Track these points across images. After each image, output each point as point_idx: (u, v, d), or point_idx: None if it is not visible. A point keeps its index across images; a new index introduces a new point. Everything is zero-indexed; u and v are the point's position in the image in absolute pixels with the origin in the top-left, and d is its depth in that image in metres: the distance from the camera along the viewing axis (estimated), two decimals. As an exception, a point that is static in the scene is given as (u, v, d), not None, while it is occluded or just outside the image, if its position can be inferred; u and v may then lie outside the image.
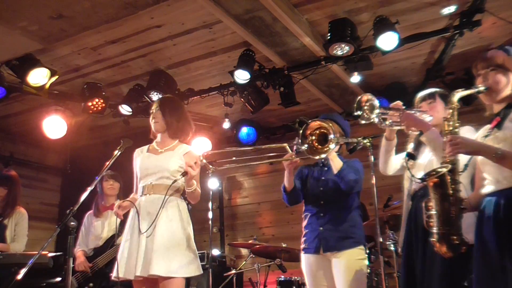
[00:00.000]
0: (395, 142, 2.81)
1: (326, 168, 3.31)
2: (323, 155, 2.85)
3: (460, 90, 2.26)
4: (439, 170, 2.11)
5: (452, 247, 2.08)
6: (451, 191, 2.10)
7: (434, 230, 2.12)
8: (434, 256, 2.29)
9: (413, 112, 2.62)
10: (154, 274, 2.71)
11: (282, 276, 4.39)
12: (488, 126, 2.26)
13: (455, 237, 2.07)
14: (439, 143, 2.41)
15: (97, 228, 4.16)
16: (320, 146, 2.83)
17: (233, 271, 4.80)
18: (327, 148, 2.80)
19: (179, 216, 2.89)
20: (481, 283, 2.04)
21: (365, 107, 2.59)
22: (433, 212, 2.13)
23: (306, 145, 2.82)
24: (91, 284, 3.99)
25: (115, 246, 4.00)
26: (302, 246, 3.28)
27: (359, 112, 2.60)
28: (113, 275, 2.85)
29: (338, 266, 3.08)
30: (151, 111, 3.13)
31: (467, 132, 2.45)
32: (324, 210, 3.20)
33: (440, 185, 2.11)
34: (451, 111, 2.22)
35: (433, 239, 2.12)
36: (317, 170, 3.37)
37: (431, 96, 2.73)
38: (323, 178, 3.29)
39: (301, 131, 2.78)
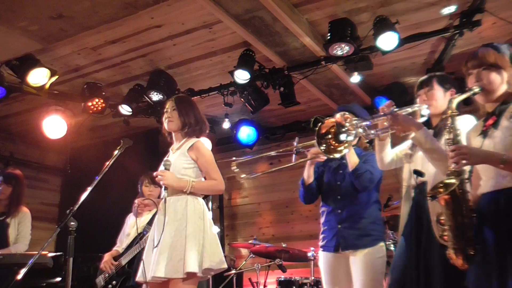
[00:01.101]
0: (388, 141, 2.73)
1: (344, 161, 3.23)
2: (343, 153, 2.61)
3: (456, 96, 2.21)
4: (448, 182, 2.03)
5: (468, 259, 2.04)
6: (462, 204, 2.05)
7: (449, 244, 2.07)
8: (431, 255, 2.28)
9: (402, 111, 2.47)
10: (157, 277, 2.69)
11: (282, 276, 4.40)
12: (480, 124, 2.23)
13: (470, 248, 2.03)
14: (430, 144, 2.36)
15: (130, 227, 4.19)
16: (337, 144, 2.58)
17: (233, 271, 4.80)
18: (346, 145, 2.56)
19: (187, 214, 2.85)
20: (478, 282, 2.03)
21: (347, 124, 2.47)
22: (446, 227, 2.07)
23: (323, 146, 2.57)
24: (114, 282, 4.01)
25: (137, 244, 4.02)
26: (320, 243, 3.24)
27: (343, 130, 2.48)
28: (137, 277, 2.88)
29: (356, 264, 3.04)
30: (165, 110, 3.11)
31: (467, 121, 2.40)
32: (341, 206, 3.16)
33: (452, 201, 2.04)
34: (450, 119, 2.16)
35: (449, 253, 2.08)
36: (334, 163, 3.31)
37: (428, 83, 2.61)
38: (340, 171, 3.23)
39: (316, 131, 2.57)
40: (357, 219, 3.10)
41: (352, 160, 3.10)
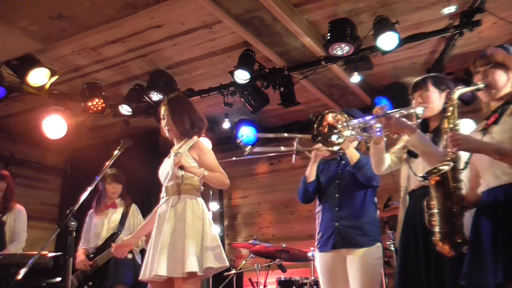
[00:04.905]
0: (383, 145, 2.69)
1: (343, 162, 3.27)
2: (338, 145, 2.61)
3: (460, 87, 2.23)
4: (441, 168, 2.08)
5: (454, 246, 2.06)
6: (452, 189, 2.09)
7: (436, 229, 2.10)
8: (441, 256, 2.27)
9: (397, 113, 2.47)
10: (158, 275, 2.71)
11: (282, 276, 4.40)
12: (483, 123, 2.24)
13: (457, 235, 2.06)
14: (426, 147, 2.37)
15: (97, 226, 4.17)
16: (333, 139, 2.58)
17: (233, 271, 4.80)
18: (343, 137, 2.57)
19: (186, 214, 2.86)
20: (472, 276, 2.03)
21: (339, 125, 2.48)
22: (435, 211, 2.10)
23: (320, 137, 2.57)
24: (90, 283, 3.99)
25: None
26: (317, 244, 3.24)
27: (335, 131, 2.48)
28: (140, 276, 2.89)
29: (353, 264, 3.04)
30: (161, 116, 3.10)
31: (466, 124, 2.41)
32: (339, 204, 3.16)
33: (442, 183, 2.08)
34: (451, 108, 2.19)
35: (435, 238, 2.10)
36: (334, 163, 3.33)
37: (423, 84, 2.58)
38: (339, 171, 3.25)
39: (315, 123, 2.56)
40: (355, 217, 3.10)
41: (353, 154, 3.11)
